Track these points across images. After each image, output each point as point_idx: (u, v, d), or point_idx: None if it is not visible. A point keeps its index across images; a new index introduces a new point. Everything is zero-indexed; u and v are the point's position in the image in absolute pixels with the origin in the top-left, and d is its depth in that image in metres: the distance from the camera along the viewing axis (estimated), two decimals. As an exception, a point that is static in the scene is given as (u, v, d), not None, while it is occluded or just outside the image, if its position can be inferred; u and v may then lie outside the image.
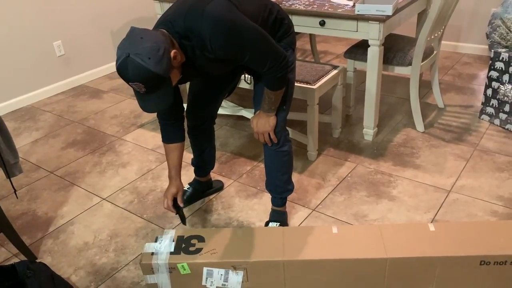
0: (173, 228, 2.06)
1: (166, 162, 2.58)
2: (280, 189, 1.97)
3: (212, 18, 1.41)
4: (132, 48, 1.30)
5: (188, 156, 2.48)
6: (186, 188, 2.22)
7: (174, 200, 1.79)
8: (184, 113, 1.83)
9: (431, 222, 1.93)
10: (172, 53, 1.38)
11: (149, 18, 4.24)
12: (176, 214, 1.82)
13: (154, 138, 2.87)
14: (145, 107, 1.42)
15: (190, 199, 2.22)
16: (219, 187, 2.32)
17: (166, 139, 1.80)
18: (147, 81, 1.33)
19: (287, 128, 1.85)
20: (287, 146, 1.85)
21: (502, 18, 3.34)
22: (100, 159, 2.69)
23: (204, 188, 2.26)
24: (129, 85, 1.37)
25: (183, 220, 1.82)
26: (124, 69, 1.32)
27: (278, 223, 2.00)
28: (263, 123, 1.75)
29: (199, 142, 2.10)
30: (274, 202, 2.03)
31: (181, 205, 1.81)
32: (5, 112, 3.37)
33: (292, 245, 1.67)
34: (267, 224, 2.02)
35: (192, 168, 2.22)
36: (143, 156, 2.68)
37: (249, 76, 2.47)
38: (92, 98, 3.54)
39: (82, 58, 3.80)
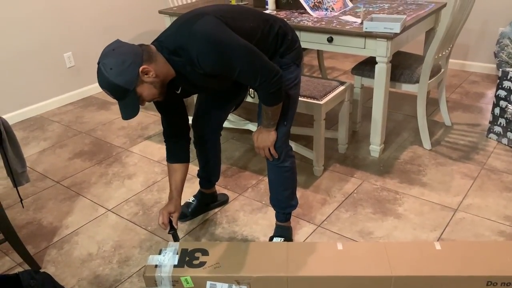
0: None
1: (172, 175, 2.59)
2: (283, 204, 1.96)
3: (199, 36, 1.46)
4: (102, 58, 1.41)
5: (193, 168, 2.48)
6: (191, 200, 2.22)
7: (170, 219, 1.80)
8: (190, 125, 1.85)
9: (437, 241, 1.91)
10: (141, 68, 1.43)
11: (158, 31, 4.29)
12: (168, 233, 1.82)
13: (160, 150, 2.88)
14: (121, 114, 1.49)
15: (195, 211, 2.22)
16: (224, 200, 2.32)
17: (170, 158, 1.82)
18: (110, 89, 1.43)
19: (292, 142, 1.85)
20: (289, 162, 1.85)
21: (510, 38, 3.34)
22: (106, 170, 2.70)
23: (208, 200, 2.26)
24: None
25: (175, 240, 1.83)
26: (97, 76, 1.43)
27: (282, 239, 1.99)
28: (263, 138, 1.76)
29: (204, 153, 2.11)
30: (278, 217, 2.02)
31: (176, 226, 1.82)
32: (14, 122, 3.41)
33: (296, 261, 1.66)
34: (271, 239, 2.01)
35: (197, 181, 2.22)
36: (149, 168, 2.69)
37: (253, 90, 2.49)
38: (100, 109, 3.57)
39: (91, 69, 3.84)
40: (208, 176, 2.18)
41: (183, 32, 1.49)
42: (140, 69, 1.43)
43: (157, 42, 1.54)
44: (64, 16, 3.54)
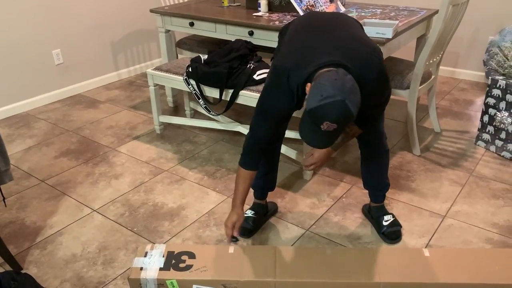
0: (163, 243, 2.02)
1: (160, 175, 2.55)
2: (386, 185, 2.07)
3: (377, 71, 1.54)
4: (349, 95, 1.34)
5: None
6: (250, 214, 2.11)
7: None
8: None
9: (426, 247, 1.91)
10: None
11: (149, 30, 4.26)
12: (230, 243, 1.80)
13: (148, 150, 2.84)
14: (318, 143, 1.43)
15: (258, 225, 2.12)
16: (275, 208, 2.24)
17: (251, 165, 1.75)
18: (344, 125, 1.37)
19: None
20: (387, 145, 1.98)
21: (500, 46, 3.37)
22: (93, 169, 2.65)
23: (264, 211, 2.16)
24: (318, 124, 1.36)
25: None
26: (332, 110, 1.32)
27: (390, 215, 2.07)
28: (324, 157, 1.83)
29: (271, 161, 2.04)
30: (378, 199, 2.09)
31: (236, 234, 1.78)
32: (0, 118, 3.35)
33: (284, 265, 1.64)
34: (379, 219, 2.06)
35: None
36: (136, 168, 2.65)
37: None
38: (88, 108, 3.52)
39: (80, 67, 3.80)
40: (267, 186, 2.10)
41: (362, 63, 1.53)
42: None
43: (342, 66, 1.49)
44: (54, 13, 3.49)
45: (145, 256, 1.68)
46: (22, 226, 2.19)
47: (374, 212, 2.11)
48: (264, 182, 2.08)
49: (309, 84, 1.45)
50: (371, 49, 1.56)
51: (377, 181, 2.04)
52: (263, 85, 2.44)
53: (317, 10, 2.72)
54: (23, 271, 1.82)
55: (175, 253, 1.69)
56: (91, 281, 1.85)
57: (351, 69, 1.47)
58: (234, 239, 1.80)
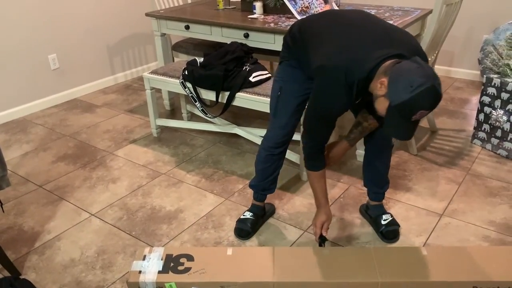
0: (162, 246, 2.02)
1: (157, 179, 2.55)
2: (387, 183, 2.06)
3: (424, 56, 1.54)
4: (434, 79, 1.33)
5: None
6: (249, 216, 2.10)
7: None
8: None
9: (424, 246, 1.92)
10: None
11: (144, 34, 4.26)
12: (319, 244, 1.81)
13: (146, 154, 2.85)
14: (406, 135, 1.44)
15: (256, 226, 2.11)
16: (273, 209, 2.25)
17: (318, 166, 1.76)
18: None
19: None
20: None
21: (494, 45, 3.39)
22: (90, 174, 2.65)
23: (262, 212, 2.16)
24: (410, 115, 1.36)
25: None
26: (426, 98, 1.33)
27: (389, 214, 2.07)
28: (341, 152, 1.89)
29: (279, 162, 2.04)
30: (377, 198, 2.08)
31: (325, 234, 1.81)
32: (-4, 124, 3.34)
33: (283, 266, 1.64)
34: (378, 218, 2.06)
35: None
36: (134, 172, 2.65)
37: None
38: (85, 112, 3.52)
39: (76, 72, 3.80)
40: (267, 188, 2.10)
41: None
42: None
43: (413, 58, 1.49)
44: (49, 17, 3.49)
45: (144, 259, 1.68)
46: (20, 232, 2.19)
47: (372, 211, 2.11)
48: (265, 185, 2.08)
49: (384, 80, 1.39)
50: (411, 36, 1.59)
51: (379, 178, 2.04)
52: (259, 87, 2.46)
53: (312, 11, 2.73)
54: (21, 277, 1.82)
55: (174, 256, 1.70)
56: (89, 285, 1.85)
57: (409, 58, 1.45)
58: (322, 239, 1.80)
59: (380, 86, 1.41)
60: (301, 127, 2.00)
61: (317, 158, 1.75)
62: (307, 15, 2.71)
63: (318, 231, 1.80)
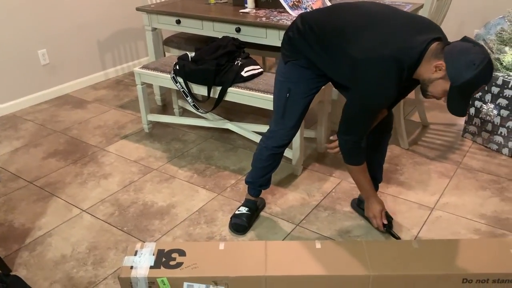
0: (154, 241, 2.01)
1: (149, 174, 2.54)
2: (381, 176, 2.12)
3: None
4: (487, 53, 1.42)
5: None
6: (244, 211, 2.10)
7: None
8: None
9: (415, 239, 1.93)
10: None
11: (136, 29, 4.23)
12: (386, 231, 1.88)
13: (137, 149, 2.83)
14: (464, 111, 1.49)
15: (251, 221, 2.11)
16: (264, 203, 2.25)
17: (361, 161, 1.79)
18: None
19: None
20: None
21: (485, 39, 3.41)
22: (81, 169, 2.64)
23: (255, 207, 2.16)
24: (472, 92, 1.44)
25: (395, 235, 1.91)
26: (488, 72, 1.41)
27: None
28: None
29: (272, 165, 2.04)
30: (376, 188, 2.10)
31: (385, 221, 1.88)
32: (-15, 120, 3.31)
33: (275, 260, 1.64)
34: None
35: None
36: (125, 167, 2.64)
37: None
38: (75, 108, 3.49)
39: (67, 67, 3.76)
40: (264, 184, 2.10)
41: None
42: None
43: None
44: (38, 12, 3.45)
45: (135, 254, 1.68)
46: (10, 228, 2.17)
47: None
48: (263, 182, 2.09)
49: (441, 63, 1.44)
50: (430, 20, 1.63)
51: (377, 169, 2.06)
52: (251, 81, 2.45)
53: (304, 6, 2.72)
54: (12, 273, 1.80)
55: (165, 251, 1.69)
56: (81, 281, 1.84)
57: (445, 39, 1.52)
58: (386, 226, 1.88)
59: (435, 69, 1.46)
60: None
61: (359, 152, 1.76)
62: (299, 9, 2.71)
63: (380, 221, 1.88)
